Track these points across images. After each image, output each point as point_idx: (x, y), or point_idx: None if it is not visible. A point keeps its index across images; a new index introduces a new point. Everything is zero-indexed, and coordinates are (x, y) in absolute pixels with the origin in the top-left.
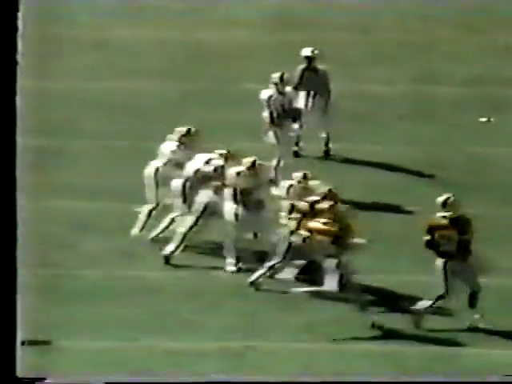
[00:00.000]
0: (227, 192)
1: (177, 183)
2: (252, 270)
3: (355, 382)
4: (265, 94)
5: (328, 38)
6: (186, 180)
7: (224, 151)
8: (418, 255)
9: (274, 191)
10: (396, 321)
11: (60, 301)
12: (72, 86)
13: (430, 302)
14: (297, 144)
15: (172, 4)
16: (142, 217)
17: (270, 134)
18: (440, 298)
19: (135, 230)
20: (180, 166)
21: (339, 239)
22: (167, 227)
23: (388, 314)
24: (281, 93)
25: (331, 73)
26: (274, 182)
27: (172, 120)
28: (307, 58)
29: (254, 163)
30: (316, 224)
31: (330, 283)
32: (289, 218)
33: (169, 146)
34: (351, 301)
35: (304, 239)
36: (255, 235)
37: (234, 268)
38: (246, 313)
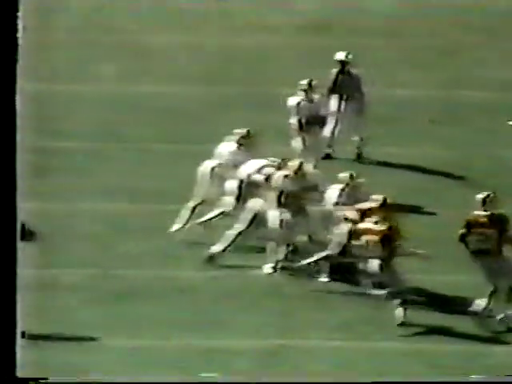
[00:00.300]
0: (272, 196)
1: (232, 184)
2: (286, 269)
3: (388, 382)
4: (293, 100)
5: (359, 42)
6: (241, 182)
7: (278, 159)
8: (449, 256)
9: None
10: (444, 321)
11: (98, 300)
12: (111, 91)
13: (485, 302)
14: (330, 146)
15: (209, 10)
16: (186, 212)
17: (298, 139)
18: (491, 295)
19: (177, 226)
20: (237, 166)
21: (387, 239)
22: (215, 217)
23: (433, 314)
24: (309, 99)
25: (362, 77)
26: (318, 188)
27: (208, 123)
28: (341, 62)
29: (300, 166)
30: (366, 224)
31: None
32: (345, 219)
33: (227, 147)
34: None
35: (350, 237)
36: (310, 238)
37: (270, 270)
38: (281, 312)
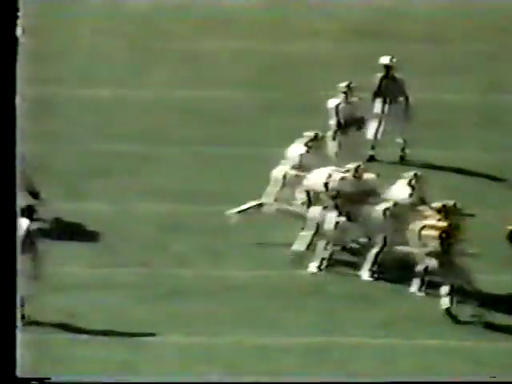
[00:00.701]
0: (329, 198)
1: (300, 192)
2: (331, 268)
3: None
4: (332, 102)
5: (403, 48)
6: (308, 192)
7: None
8: (493, 255)
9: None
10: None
11: (150, 299)
12: (162, 95)
13: None
14: (373, 148)
15: (258, 17)
16: (248, 204)
17: (334, 142)
18: None
19: (233, 211)
20: (307, 169)
21: (446, 236)
22: (251, 207)
23: (477, 311)
24: (348, 101)
25: (406, 81)
26: (375, 190)
27: (257, 127)
28: (385, 66)
29: (357, 169)
30: (429, 221)
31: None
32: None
33: (297, 150)
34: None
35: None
36: (369, 239)
37: (315, 269)
38: (326, 310)
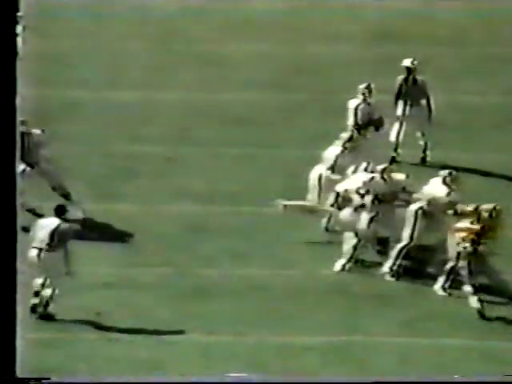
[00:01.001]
0: (357, 198)
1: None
2: (355, 267)
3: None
4: (352, 103)
5: (425, 50)
6: (337, 195)
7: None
8: None
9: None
10: None
11: (177, 298)
12: (187, 97)
13: None
14: (395, 150)
15: (282, 21)
16: (297, 202)
17: (354, 140)
18: None
19: (283, 202)
20: (344, 169)
21: (478, 238)
22: (298, 205)
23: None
24: (367, 103)
25: (428, 83)
26: (407, 190)
27: (281, 129)
28: (407, 68)
29: (384, 169)
30: (462, 224)
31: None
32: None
33: (333, 151)
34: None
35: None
36: (395, 237)
37: (339, 267)
38: (348, 309)
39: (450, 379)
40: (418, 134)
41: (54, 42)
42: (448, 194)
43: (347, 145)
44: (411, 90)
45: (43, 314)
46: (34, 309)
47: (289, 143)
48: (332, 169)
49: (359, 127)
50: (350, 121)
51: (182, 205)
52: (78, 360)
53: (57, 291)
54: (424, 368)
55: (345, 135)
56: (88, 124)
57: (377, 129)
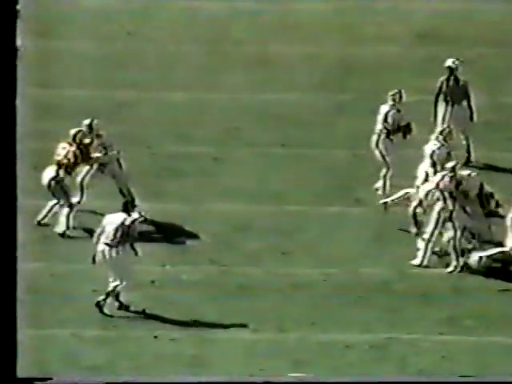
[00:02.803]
0: (441, 196)
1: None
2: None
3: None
4: (383, 108)
5: (467, 51)
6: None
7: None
8: None
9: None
10: None
11: (221, 295)
12: (236, 98)
13: None
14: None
15: (328, 22)
16: (400, 193)
17: (382, 145)
18: None
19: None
20: (439, 164)
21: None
22: (399, 197)
23: None
24: (397, 109)
25: (470, 84)
26: (480, 188)
27: (327, 129)
28: (449, 68)
29: (454, 167)
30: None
31: None
32: None
33: (430, 147)
34: None
35: None
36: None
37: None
38: (390, 307)
39: (492, 380)
40: (460, 134)
41: (106, 44)
42: None
43: (441, 138)
44: (453, 91)
45: (119, 305)
46: (98, 303)
47: (335, 143)
48: (431, 164)
49: (388, 132)
50: (379, 125)
51: (228, 204)
52: (125, 357)
53: (124, 283)
54: (465, 367)
55: (438, 129)
56: (138, 124)
57: (404, 135)
